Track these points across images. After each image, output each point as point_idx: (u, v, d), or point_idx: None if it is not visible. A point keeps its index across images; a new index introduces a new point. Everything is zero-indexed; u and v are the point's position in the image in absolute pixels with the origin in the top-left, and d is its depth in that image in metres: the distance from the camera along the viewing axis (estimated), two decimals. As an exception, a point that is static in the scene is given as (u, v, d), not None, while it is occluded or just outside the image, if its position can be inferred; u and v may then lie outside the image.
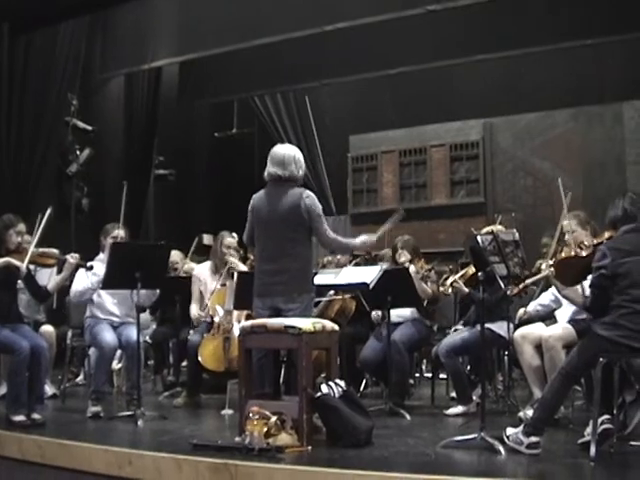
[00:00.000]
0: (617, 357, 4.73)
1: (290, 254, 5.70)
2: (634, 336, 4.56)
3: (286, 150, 5.92)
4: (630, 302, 4.57)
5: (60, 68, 11.59)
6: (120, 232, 7.02)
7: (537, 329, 6.03)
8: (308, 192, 5.85)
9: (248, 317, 6.99)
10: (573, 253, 5.38)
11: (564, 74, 11.63)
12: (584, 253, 5.30)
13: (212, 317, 7.38)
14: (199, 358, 7.16)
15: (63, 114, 11.71)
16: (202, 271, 7.77)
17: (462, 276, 6.97)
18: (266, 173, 5.89)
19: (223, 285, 7.43)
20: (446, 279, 7.10)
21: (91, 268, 6.64)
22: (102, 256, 6.99)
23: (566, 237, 6.05)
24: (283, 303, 5.68)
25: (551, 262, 5.58)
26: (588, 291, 5.08)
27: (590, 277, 4.92)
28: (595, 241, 5.34)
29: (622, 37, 10.39)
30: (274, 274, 5.73)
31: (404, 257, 7.35)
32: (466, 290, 6.91)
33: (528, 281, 6.38)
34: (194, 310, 7.62)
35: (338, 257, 8.12)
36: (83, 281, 6.84)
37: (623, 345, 4.58)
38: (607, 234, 5.24)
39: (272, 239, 5.79)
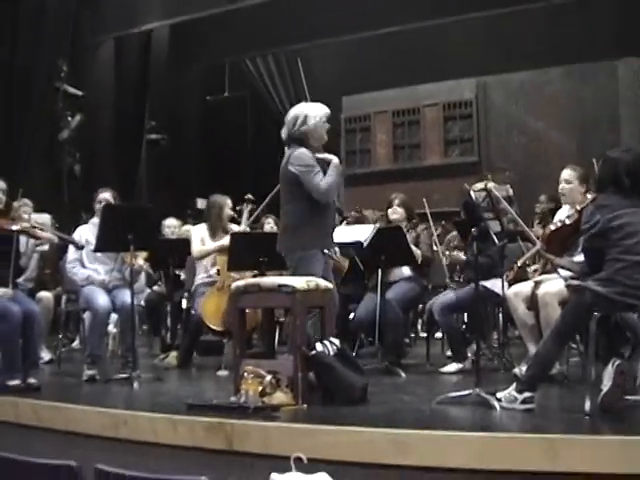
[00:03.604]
0: (612, 312, 4.73)
1: (284, 212, 5.76)
2: (630, 292, 4.52)
3: (291, 110, 5.87)
4: (624, 254, 4.53)
5: (50, 33, 11.51)
6: (104, 195, 6.99)
7: (529, 286, 6.01)
8: (298, 150, 5.67)
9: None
10: (559, 224, 5.42)
11: (558, 31, 11.54)
12: (568, 221, 5.35)
13: (218, 271, 7.31)
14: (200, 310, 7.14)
15: (53, 80, 11.64)
16: (201, 231, 7.61)
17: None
18: None
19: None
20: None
21: (82, 247, 6.68)
22: (96, 220, 6.94)
23: (560, 186, 6.06)
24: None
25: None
26: (577, 258, 5.11)
27: (581, 242, 4.93)
28: (579, 207, 5.35)
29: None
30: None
31: (397, 215, 7.30)
32: (463, 258, 6.92)
33: (520, 262, 6.39)
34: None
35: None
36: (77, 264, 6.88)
37: (618, 302, 4.56)
38: (590, 197, 5.27)
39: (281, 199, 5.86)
